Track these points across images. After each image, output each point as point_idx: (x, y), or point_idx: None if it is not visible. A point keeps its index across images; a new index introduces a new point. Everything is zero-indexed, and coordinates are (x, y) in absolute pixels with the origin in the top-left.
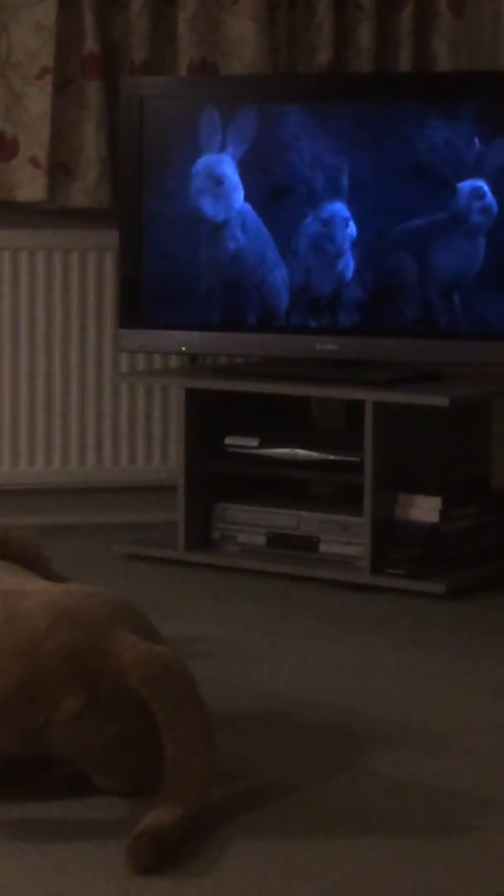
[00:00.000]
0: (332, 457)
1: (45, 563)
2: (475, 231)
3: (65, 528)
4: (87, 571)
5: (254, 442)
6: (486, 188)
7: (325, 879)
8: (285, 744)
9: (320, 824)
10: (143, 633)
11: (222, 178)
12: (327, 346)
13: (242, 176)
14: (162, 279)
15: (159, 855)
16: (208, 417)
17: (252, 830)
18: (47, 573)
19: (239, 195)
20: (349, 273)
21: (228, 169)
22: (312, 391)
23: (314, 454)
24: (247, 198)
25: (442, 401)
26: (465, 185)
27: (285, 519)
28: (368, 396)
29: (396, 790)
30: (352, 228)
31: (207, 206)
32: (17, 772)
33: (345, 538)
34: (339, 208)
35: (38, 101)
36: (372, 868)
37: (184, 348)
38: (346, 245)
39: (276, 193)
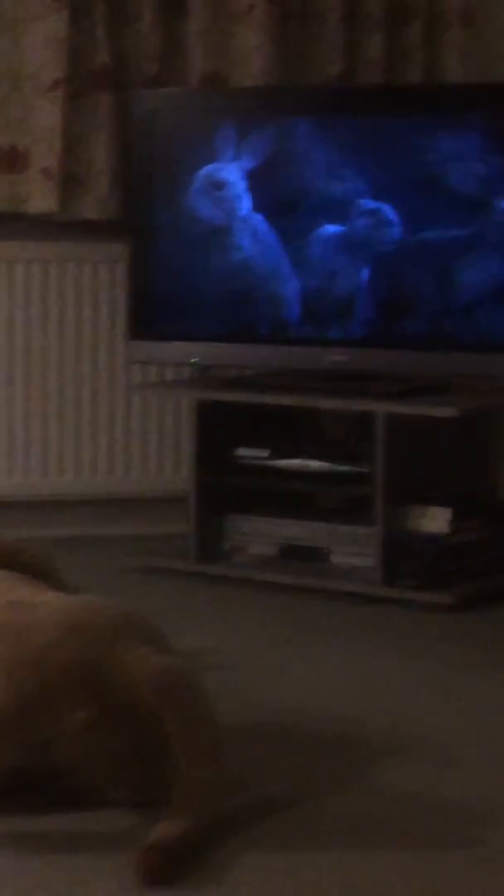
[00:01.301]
0: (342, 468)
1: (56, 574)
2: (489, 245)
3: (76, 540)
4: (97, 583)
5: (264, 453)
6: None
7: (334, 891)
8: (295, 755)
9: (329, 836)
10: (154, 645)
11: (223, 183)
12: (338, 357)
13: (253, 187)
14: (173, 291)
15: (169, 867)
16: (219, 429)
17: (261, 842)
18: (58, 585)
19: (244, 204)
20: (360, 285)
21: (232, 176)
22: (323, 403)
23: (324, 465)
24: (257, 209)
25: (451, 412)
26: (476, 198)
27: (296, 530)
28: (378, 408)
29: (405, 802)
30: (362, 241)
31: (206, 209)
32: (28, 783)
33: (355, 549)
34: (349, 221)
35: (50, 113)
36: (380, 880)
37: (195, 360)
38: (357, 257)
39: (286, 205)
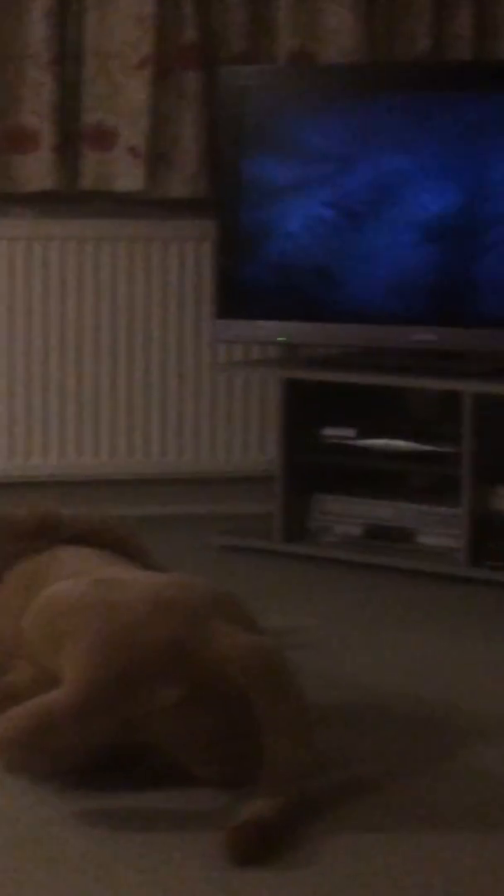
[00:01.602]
0: (429, 448)
1: (143, 553)
2: None
3: (162, 519)
4: (183, 562)
5: (351, 433)
6: None
7: (424, 873)
8: (383, 736)
9: (419, 817)
10: (243, 624)
11: (310, 161)
12: (425, 336)
13: (340, 165)
14: (260, 269)
15: (259, 846)
16: (305, 408)
17: (351, 823)
18: (146, 563)
19: (336, 184)
20: (448, 263)
21: (325, 158)
22: (409, 382)
23: (411, 445)
24: (345, 187)
25: None
26: None
27: (382, 510)
28: (466, 387)
29: (493, 785)
30: (450, 218)
31: (302, 193)
32: (117, 761)
33: (442, 530)
34: (439, 198)
35: (138, 91)
36: (470, 862)
37: (281, 339)
38: (443, 235)
39: (374, 183)
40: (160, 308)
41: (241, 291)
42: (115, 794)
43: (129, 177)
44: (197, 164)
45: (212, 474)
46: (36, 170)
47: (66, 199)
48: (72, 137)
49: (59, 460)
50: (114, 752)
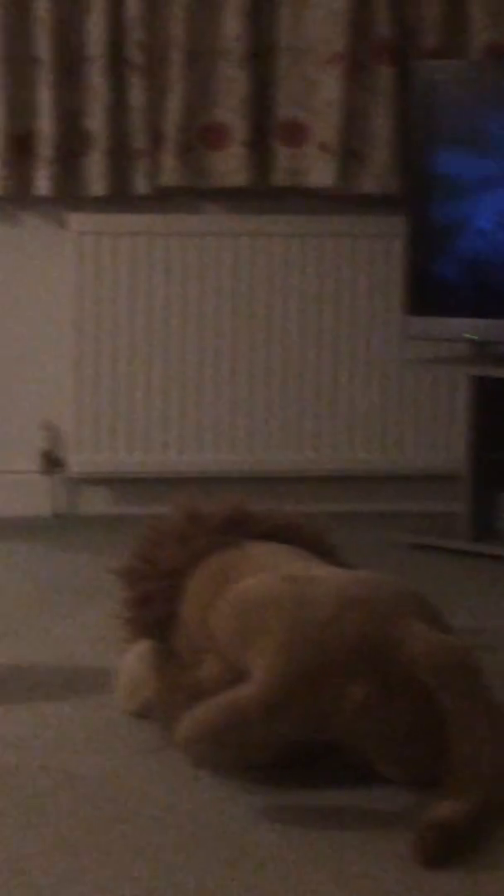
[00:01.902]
0: None
1: (331, 550)
2: None
3: (349, 516)
4: (370, 559)
5: None
6: None
7: None
8: None
9: None
10: (433, 623)
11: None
12: None
13: None
14: (450, 266)
15: (447, 849)
16: (495, 406)
17: None
18: (334, 560)
19: None
20: None
21: None
22: None
23: None
24: None
25: None
26: None
27: None
28: None
29: None
30: None
31: (493, 189)
32: (304, 757)
33: None
34: None
35: (330, 86)
36: None
37: (471, 335)
38: None
39: None
40: (350, 304)
41: (430, 288)
42: (302, 791)
43: (320, 172)
44: (388, 160)
45: (399, 471)
46: (228, 165)
47: (258, 195)
48: (264, 133)
49: (248, 456)
50: (301, 749)
